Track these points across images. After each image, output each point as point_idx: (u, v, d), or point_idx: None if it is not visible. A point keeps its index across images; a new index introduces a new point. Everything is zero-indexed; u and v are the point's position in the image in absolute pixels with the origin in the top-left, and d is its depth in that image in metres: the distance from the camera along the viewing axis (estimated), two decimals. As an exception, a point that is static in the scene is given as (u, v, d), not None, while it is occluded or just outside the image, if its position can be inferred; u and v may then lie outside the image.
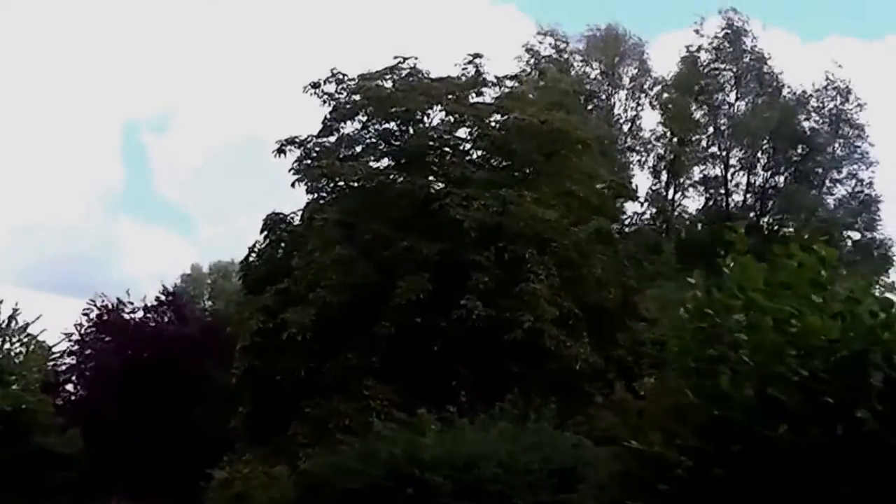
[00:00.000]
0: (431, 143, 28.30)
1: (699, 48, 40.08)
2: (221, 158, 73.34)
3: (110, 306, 38.10)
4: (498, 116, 27.84)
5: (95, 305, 38.08)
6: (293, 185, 27.65)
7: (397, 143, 28.67)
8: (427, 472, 19.61)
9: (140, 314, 38.43)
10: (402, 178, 27.59)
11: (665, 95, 40.42)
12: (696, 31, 39.95)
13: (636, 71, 41.32)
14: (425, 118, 28.60)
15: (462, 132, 28.53)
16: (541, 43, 40.65)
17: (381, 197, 27.22)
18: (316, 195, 28.15)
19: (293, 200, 29.43)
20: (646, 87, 41.35)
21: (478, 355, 24.04)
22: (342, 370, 24.68)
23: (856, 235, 38.61)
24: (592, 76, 41.40)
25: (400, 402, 22.93)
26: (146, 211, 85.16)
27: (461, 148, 28.59)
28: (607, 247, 27.20)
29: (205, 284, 58.51)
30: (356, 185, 27.53)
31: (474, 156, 28.44)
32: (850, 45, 58.89)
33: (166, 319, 38.21)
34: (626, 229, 35.86)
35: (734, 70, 40.14)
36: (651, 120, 40.81)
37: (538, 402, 21.07)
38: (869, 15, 57.63)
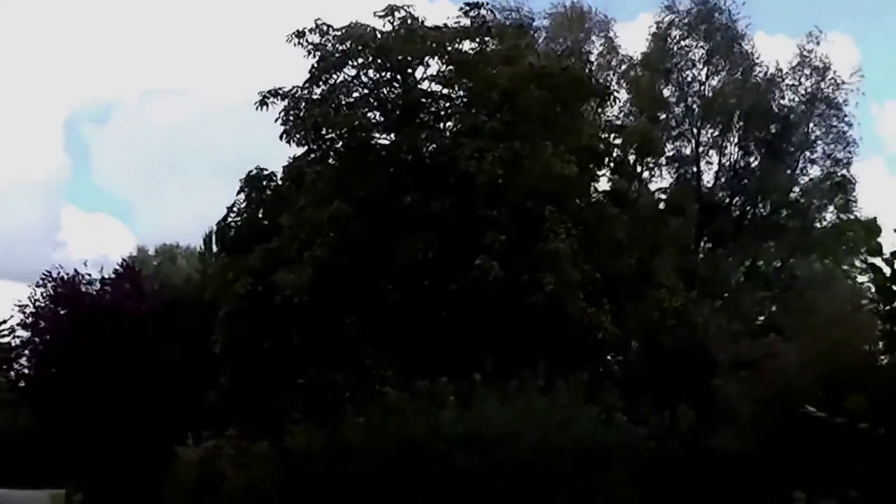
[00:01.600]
0: (430, 94, 25.93)
1: (670, 24, 38.54)
2: (162, 146, 71.69)
3: (66, 278, 35.91)
4: (503, 67, 25.30)
5: (51, 277, 35.89)
6: (281, 137, 24.99)
7: (392, 94, 26.18)
8: (451, 450, 17.54)
9: (97, 287, 36.57)
10: (398, 131, 25.17)
11: (633, 73, 38.75)
12: (668, 7, 38.41)
13: (602, 48, 39.59)
14: (422, 68, 26.21)
15: (464, 82, 26.03)
16: (506, 19, 38.69)
17: (376, 150, 24.84)
18: (307, 148, 25.52)
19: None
20: (613, 64, 39.62)
21: (491, 322, 21.66)
22: (340, 338, 22.20)
23: (829, 217, 37.19)
24: (559, 52, 39.54)
25: (404, 373, 20.64)
26: (88, 198, 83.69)
27: (463, 99, 26.19)
28: (624, 208, 25.01)
29: (151, 266, 57.53)
30: (349, 137, 25.00)
31: (479, 107, 25.87)
32: (778, 41, 58.36)
33: (123, 293, 35.90)
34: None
35: (706, 47, 38.63)
36: (619, 97, 39.20)
37: (562, 375, 19.10)
38: (797, 13, 56.85)
